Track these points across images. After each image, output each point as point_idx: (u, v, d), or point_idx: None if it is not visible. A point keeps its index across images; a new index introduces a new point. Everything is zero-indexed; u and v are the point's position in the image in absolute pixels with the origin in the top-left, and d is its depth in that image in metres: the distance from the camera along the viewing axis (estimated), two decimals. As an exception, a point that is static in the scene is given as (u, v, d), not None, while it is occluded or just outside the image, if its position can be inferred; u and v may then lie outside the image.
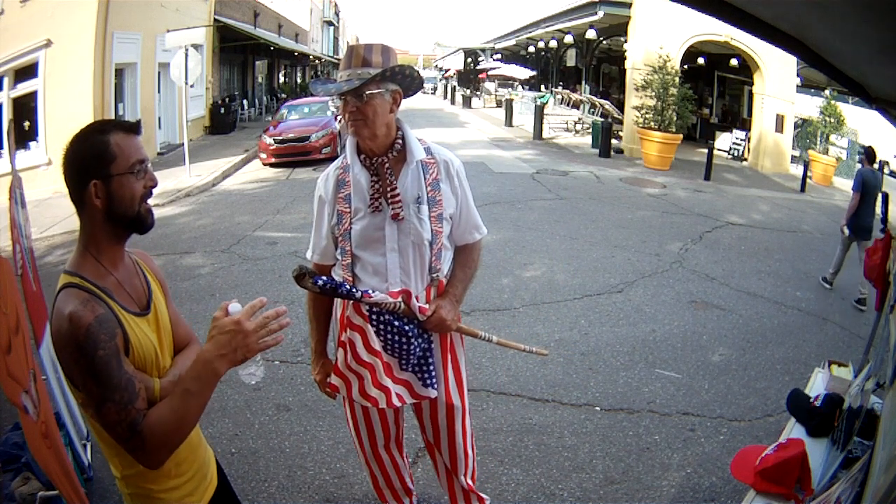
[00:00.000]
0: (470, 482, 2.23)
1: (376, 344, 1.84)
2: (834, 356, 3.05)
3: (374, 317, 1.84)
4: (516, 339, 2.17)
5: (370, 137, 1.75)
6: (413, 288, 1.86)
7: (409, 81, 1.78)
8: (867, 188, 5.63)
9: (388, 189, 1.79)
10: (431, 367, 1.92)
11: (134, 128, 1.25)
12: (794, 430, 2.23)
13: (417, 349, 1.87)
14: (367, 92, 1.68)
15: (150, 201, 1.27)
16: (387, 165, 1.80)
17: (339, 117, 13.00)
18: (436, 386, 1.94)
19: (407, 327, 1.83)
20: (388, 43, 1.82)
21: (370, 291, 1.77)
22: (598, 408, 3.40)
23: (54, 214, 7.40)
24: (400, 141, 1.82)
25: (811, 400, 2.33)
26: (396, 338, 1.85)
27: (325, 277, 1.74)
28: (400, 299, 1.80)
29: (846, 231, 5.76)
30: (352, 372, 1.89)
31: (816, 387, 2.57)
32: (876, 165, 6.05)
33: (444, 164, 1.88)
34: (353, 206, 1.83)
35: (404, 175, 1.82)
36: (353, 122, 1.72)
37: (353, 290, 1.75)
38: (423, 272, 1.87)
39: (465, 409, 2.08)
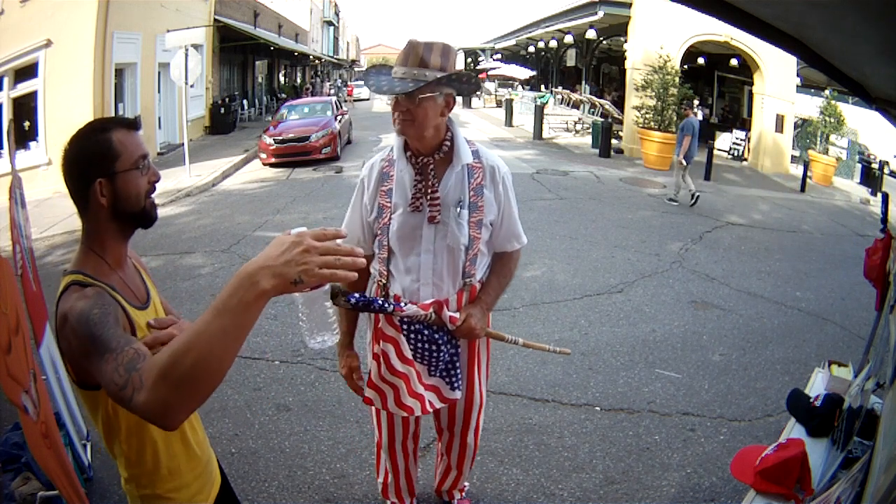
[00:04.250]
0: (468, 469, 2.34)
1: (409, 353, 1.86)
2: (834, 356, 3.05)
3: (405, 327, 1.86)
4: None
5: (416, 138, 1.74)
6: (444, 290, 1.86)
7: (465, 86, 1.77)
8: (693, 131, 8.99)
9: (430, 191, 1.78)
10: (458, 371, 1.94)
11: (134, 124, 1.23)
12: (794, 430, 2.23)
13: (445, 355, 1.90)
14: (420, 96, 1.65)
15: None
16: (431, 166, 1.78)
17: (338, 117, 13.00)
18: (461, 388, 1.98)
19: (437, 335, 1.85)
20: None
21: (402, 305, 1.78)
22: (598, 408, 3.40)
23: (54, 214, 7.41)
24: (448, 142, 1.79)
25: (811, 400, 2.33)
26: (426, 345, 1.87)
27: (357, 295, 1.73)
28: (431, 311, 1.81)
29: (685, 162, 9.05)
30: (386, 383, 1.90)
31: (816, 387, 2.57)
32: (697, 116, 9.89)
33: (490, 169, 1.85)
34: (394, 202, 1.82)
35: (448, 177, 1.80)
36: (401, 122, 1.70)
37: (385, 304, 1.74)
38: (456, 276, 1.87)
39: (483, 404, 2.15)
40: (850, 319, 4.92)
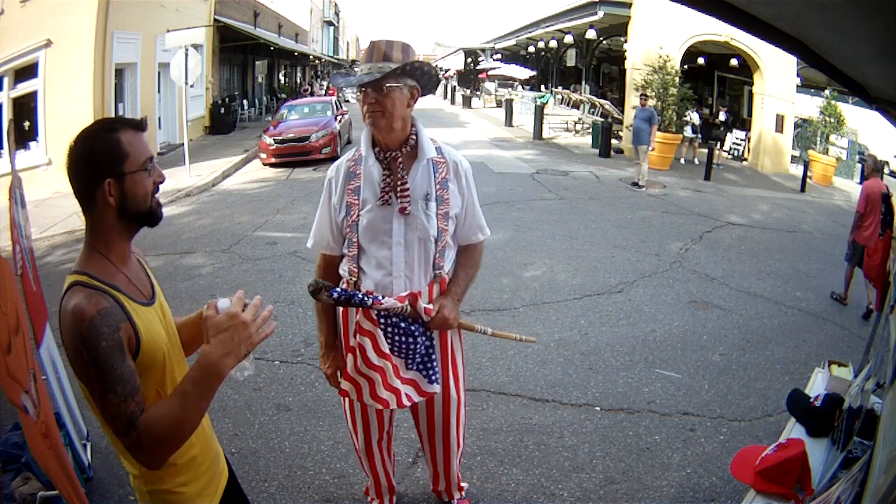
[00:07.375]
0: (457, 467, 2.34)
1: (385, 347, 1.88)
2: (834, 356, 3.05)
3: (382, 320, 1.88)
4: None
5: (386, 130, 1.79)
6: (416, 283, 1.90)
7: (426, 79, 1.82)
8: (655, 119, 10.30)
9: (399, 183, 1.83)
10: (435, 364, 1.97)
11: (141, 125, 1.24)
12: (794, 430, 2.23)
13: (421, 347, 1.92)
14: (387, 85, 1.73)
15: None
16: (399, 160, 1.84)
17: (338, 117, 12.99)
18: (439, 381, 1.99)
19: (412, 327, 1.88)
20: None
21: (380, 298, 1.82)
22: (598, 408, 3.40)
23: (54, 214, 7.39)
24: (414, 137, 1.87)
25: (811, 400, 2.33)
26: (403, 338, 1.89)
27: (339, 289, 1.79)
28: (407, 303, 1.84)
29: (650, 148, 10.35)
30: (362, 376, 1.91)
31: (816, 387, 2.57)
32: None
33: (453, 164, 1.93)
34: (362, 198, 1.87)
35: (415, 171, 1.87)
36: (371, 113, 1.77)
37: (365, 298, 1.80)
38: (427, 268, 1.91)
39: (461, 400, 2.14)
40: (850, 319, 4.92)
